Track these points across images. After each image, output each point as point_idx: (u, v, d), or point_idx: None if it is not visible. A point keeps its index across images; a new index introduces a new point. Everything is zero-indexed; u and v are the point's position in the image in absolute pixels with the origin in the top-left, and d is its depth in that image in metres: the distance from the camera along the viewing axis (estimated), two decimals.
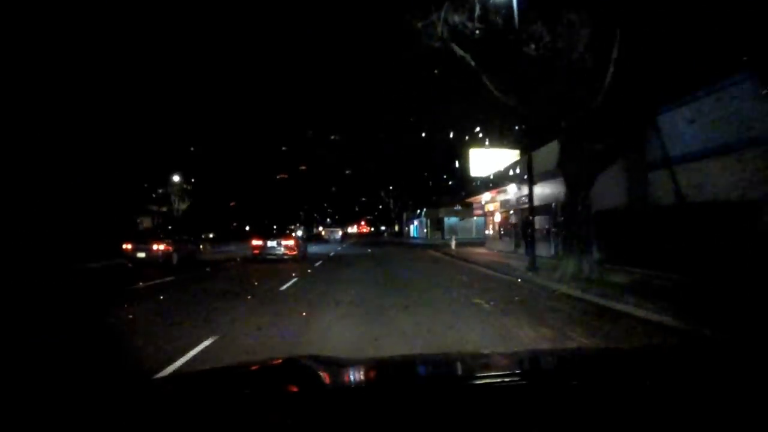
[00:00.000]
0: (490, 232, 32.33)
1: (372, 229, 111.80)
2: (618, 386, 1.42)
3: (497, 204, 29.49)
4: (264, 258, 21.31)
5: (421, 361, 2.35)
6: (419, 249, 34.82)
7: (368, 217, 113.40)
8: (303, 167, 64.14)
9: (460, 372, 1.89)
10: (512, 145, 27.01)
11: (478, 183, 31.22)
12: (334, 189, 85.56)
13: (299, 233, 26.72)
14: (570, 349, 4.90)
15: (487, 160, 28.20)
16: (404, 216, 75.79)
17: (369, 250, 33.62)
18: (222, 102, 34.52)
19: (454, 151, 35.20)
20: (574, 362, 2.04)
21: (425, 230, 63.58)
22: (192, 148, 33.89)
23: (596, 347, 5.75)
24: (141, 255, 19.26)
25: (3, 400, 1.34)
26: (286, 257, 21.31)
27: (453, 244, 32.39)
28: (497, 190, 27.76)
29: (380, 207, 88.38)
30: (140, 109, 27.01)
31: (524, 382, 1.56)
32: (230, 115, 35.78)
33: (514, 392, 1.37)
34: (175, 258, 20.05)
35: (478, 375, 1.77)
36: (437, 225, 58.29)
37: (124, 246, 19.78)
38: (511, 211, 26.82)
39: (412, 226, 74.16)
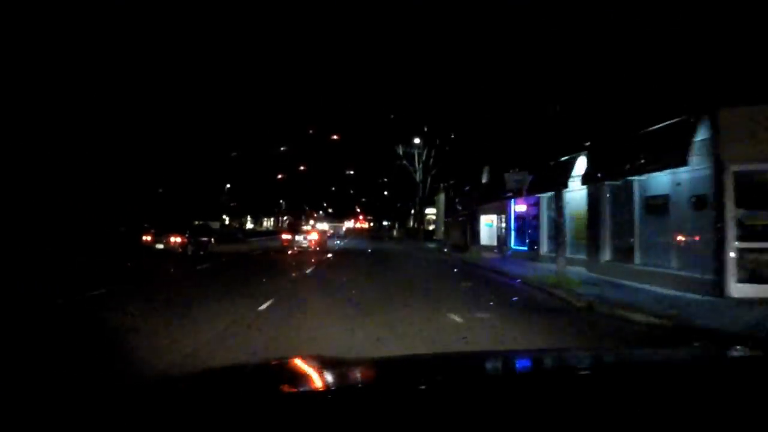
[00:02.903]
0: None
1: (371, 224, 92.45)
2: (618, 386, 1.43)
3: None
4: (292, 248, 25.97)
5: (424, 361, 2.34)
6: None
7: (368, 216, 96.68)
8: (302, 167, 59.17)
9: (463, 371, 1.91)
10: None
11: None
12: (333, 189, 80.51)
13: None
14: (572, 348, 5.13)
15: None
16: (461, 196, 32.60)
17: None
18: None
19: None
20: (576, 362, 2.08)
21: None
22: None
23: (599, 347, 5.92)
24: (159, 246, 21.84)
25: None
26: (310, 249, 26.10)
27: None
28: None
29: (385, 194, 66.01)
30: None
31: (526, 381, 1.58)
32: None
33: (516, 391, 1.38)
34: (190, 249, 22.32)
35: (481, 374, 1.81)
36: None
37: (144, 237, 22.46)
38: None
39: (509, 222, 23.51)
